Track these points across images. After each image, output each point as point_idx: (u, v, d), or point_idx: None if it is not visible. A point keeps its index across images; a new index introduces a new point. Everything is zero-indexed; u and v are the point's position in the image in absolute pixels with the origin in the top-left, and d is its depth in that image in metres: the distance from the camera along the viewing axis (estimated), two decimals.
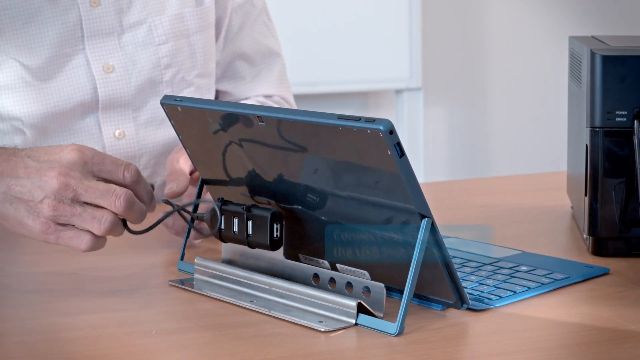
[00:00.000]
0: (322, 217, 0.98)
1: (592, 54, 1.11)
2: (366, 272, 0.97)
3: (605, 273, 1.07)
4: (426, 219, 0.89)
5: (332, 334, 0.90)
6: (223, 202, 1.03)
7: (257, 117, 0.95)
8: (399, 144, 0.85)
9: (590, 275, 1.06)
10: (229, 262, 1.07)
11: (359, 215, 0.94)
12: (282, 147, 0.97)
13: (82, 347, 0.89)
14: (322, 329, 0.91)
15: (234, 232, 1.02)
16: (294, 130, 0.94)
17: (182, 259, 1.10)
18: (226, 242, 1.05)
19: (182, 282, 1.05)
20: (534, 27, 3.45)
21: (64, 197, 0.98)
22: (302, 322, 0.92)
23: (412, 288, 0.89)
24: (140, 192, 1.02)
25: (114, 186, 0.99)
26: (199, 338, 0.91)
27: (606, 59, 1.10)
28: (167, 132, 1.47)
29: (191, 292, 1.03)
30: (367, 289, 0.94)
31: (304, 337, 0.90)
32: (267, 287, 1.00)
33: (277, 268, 1.03)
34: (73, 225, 0.99)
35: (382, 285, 0.93)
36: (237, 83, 1.59)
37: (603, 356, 0.85)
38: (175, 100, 1.04)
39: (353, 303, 0.92)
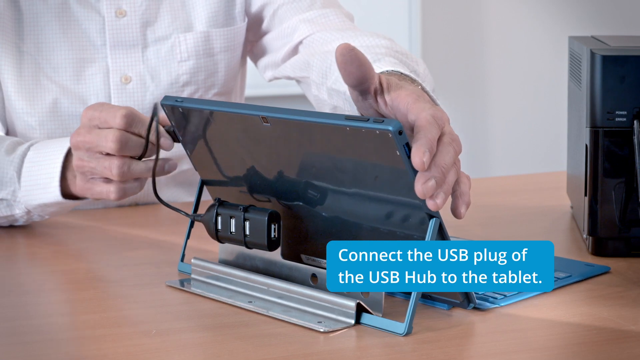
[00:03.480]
0: (327, 217, 0.98)
1: (592, 54, 1.11)
2: None
3: (605, 272, 1.07)
4: (434, 219, 0.89)
5: (332, 334, 0.90)
6: (220, 202, 1.04)
7: (262, 117, 0.95)
8: (407, 144, 0.85)
9: (591, 274, 1.06)
10: (226, 262, 1.07)
11: (365, 215, 0.94)
12: (287, 148, 0.96)
13: (82, 347, 0.89)
14: (322, 330, 0.91)
15: (231, 232, 1.02)
16: (300, 131, 0.94)
17: (182, 260, 1.10)
18: (223, 243, 1.05)
19: (179, 283, 1.05)
20: (534, 27, 3.45)
21: (79, 153, 1.15)
22: (301, 322, 0.92)
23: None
24: (134, 130, 1.13)
25: (105, 130, 1.13)
26: (199, 338, 0.91)
27: (606, 59, 1.11)
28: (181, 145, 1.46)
29: (191, 292, 1.03)
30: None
31: (303, 337, 0.90)
32: (265, 288, 1.00)
33: (274, 268, 1.03)
34: (104, 179, 1.15)
35: None
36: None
37: (603, 356, 0.85)
38: (176, 101, 1.04)
39: (352, 303, 0.92)
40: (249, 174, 1.03)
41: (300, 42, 1.45)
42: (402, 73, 1.11)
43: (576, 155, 1.23)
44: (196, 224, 1.09)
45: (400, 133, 0.84)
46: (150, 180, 1.11)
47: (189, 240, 1.11)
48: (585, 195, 1.14)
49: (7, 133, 1.43)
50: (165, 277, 1.07)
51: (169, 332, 0.91)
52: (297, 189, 0.99)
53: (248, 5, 1.50)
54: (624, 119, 1.11)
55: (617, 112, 1.11)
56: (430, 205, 0.87)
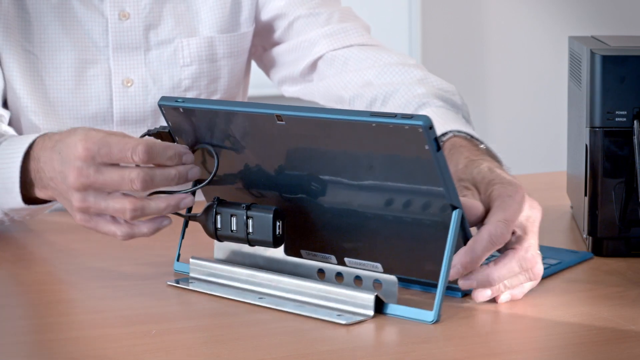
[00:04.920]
0: (340, 212, 0.99)
1: (592, 54, 1.11)
2: (379, 265, 0.98)
3: (589, 258, 1.12)
4: (457, 209, 0.90)
5: (330, 334, 0.90)
6: (219, 201, 1.04)
7: (276, 116, 0.95)
8: (436, 139, 0.87)
9: (579, 260, 1.11)
10: (223, 261, 1.07)
11: (382, 209, 0.95)
12: (301, 145, 0.97)
13: (82, 347, 0.89)
14: (343, 322, 0.91)
15: (232, 230, 1.02)
16: (318, 128, 0.95)
17: (177, 259, 1.10)
18: (222, 241, 1.05)
19: (181, 282, 1.05)
20: (534, 27, 3.45)
21: (86, 195, 1.03)
22: (320, 316, 0.93)
23: (446, 276, 0.91)
24: (159, 162, 1.01)
25: (126, 171, 1.01)
26: (199, 338, 0.91)
27: (606, 59, 1.10)
28: None
29: (190, 292, 1.03)
30: (378, 282, 0.95)
31: (304, 336, 0.90)
32: (274, 284, 1.00)
33: (276, 265, 1.03)
34: (111, 218, 1.05)
35: (394, 278, 0.94)
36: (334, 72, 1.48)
37: (603, 356, 0.85)
38: (177, 101, 1.03)
39: (371, 296, 0.93)
40: (250, 172, 1.03)
41: (320, 58, 1.46)
42: (467, 134, 1.17)
43: (576, 155, 1.23)
44: (190, 223, 1.09)
45: (430, 128, 0.87)
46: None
47: (182, 240, 1.11)
48: (585, 195, 1.14)
49: (10, 123, 1.43)
50: (164, 277, 1.07)
51: (169, 332, 0.91)
52: (305, 185, 0.99)
53: (258, 12, 1.49)
54: (624, 119, 1.11)
55: (617, 112, 1.11)
56: (477, 295, 0.96)
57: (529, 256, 0.95)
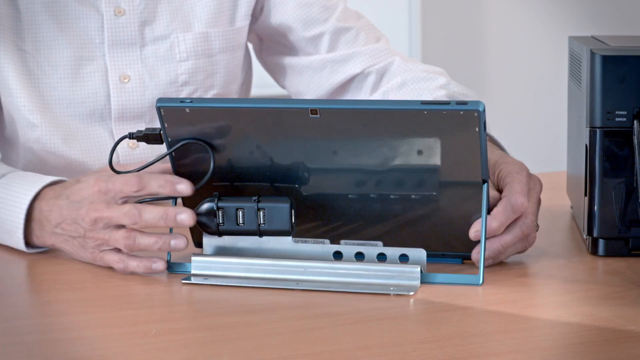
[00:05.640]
0: (337, 194, 1.04)
1: (592, 54, 1.11)
2: (380, 242, 1.04)
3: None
4: (486, 183, 1.00)
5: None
6: (219, 198, 1.04)
7: (310, 110, 0.98)
8: (484, 121, 0.96)
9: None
10: (222, 256, 1.08)
11: (395, 189, 1.02)
12: (335, 137, 1.01)
13: (82, 347, 0.89)
14: (404, 293, 0.97)
15: (238, 224, 1.03)
16: (358, 120, 0.98)
17: (169, 259, 1.09)
18: (221, 236, 1.06)
19: (198, 279, 1.05)
20: (534, 27, 3.45)
21: (97, 228, 1.09)
22: (375, 291, 0.98)
23: (485, 241, 1.01)
24: (147, 191, 1.08)
25: (123, 206, 1.07)
26: (199, 338, 0.91)
27: (606, 59, 1.10)
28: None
29: (190, 292, 1.03)
30: (404, 258, 1.01)
31: (305, 336, 0.90)
32: (304, 269, 1.03)
33: (286, 254, 1.05)
34: (120, 251, 1.10)
35: (422, 250, 1.01)
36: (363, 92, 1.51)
37: (603, 356, 0.86)
38: (182, 102, 1.03)
39: (416, 268, 1.00)
40: (250, 166, 1.04)
41: (353, 77, 1.48)
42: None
43: (576, 155, 1.23)
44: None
45: (484, 111, 0.95)
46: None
47: None
48: (585, 195, 1.14)
49: (3, 122, 1.43)
50: (164, 277, 1.07)
51: (169, 332, 0.91)
52: (302, 173, 1.02)
53: (266, 14, 1.49)
54: (624, 119, 1.11)
55: (617, 112, 1.11)
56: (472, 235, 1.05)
57: (528, 221, 1.06)
